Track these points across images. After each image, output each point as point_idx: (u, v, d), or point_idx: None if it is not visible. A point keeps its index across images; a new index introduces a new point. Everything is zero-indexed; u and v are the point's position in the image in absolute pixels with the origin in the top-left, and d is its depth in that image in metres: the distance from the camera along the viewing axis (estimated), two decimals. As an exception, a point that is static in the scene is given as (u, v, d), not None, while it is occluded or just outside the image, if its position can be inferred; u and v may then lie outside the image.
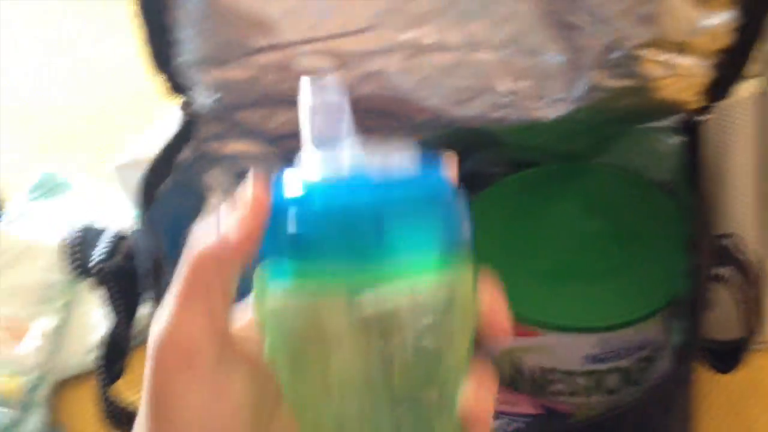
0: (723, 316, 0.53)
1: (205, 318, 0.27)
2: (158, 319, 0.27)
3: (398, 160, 0.26)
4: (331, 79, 0.27)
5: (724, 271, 0.50)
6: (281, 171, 0.27)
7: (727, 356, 0.54)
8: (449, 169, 0.27)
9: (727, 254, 0.51)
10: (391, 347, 0.25)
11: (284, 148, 0.65)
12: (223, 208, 0.27)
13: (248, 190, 0.27)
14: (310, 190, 0.25)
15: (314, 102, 0.27)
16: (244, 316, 0.30)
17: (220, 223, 0.27)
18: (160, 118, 0.85)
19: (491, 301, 0.28)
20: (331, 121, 0.27)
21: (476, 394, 0.28)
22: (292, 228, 0.25)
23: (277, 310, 0.26)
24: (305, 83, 0.27)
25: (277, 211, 0.26)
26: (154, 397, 0.27)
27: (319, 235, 0.25)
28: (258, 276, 0.28)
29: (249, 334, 0.29)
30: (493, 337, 0.28)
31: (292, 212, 0.25)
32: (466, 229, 0.27)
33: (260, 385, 0.29)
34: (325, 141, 0.27)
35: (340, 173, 0.25)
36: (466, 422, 0.27)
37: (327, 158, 0.26)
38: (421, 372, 0.26)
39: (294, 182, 0.26)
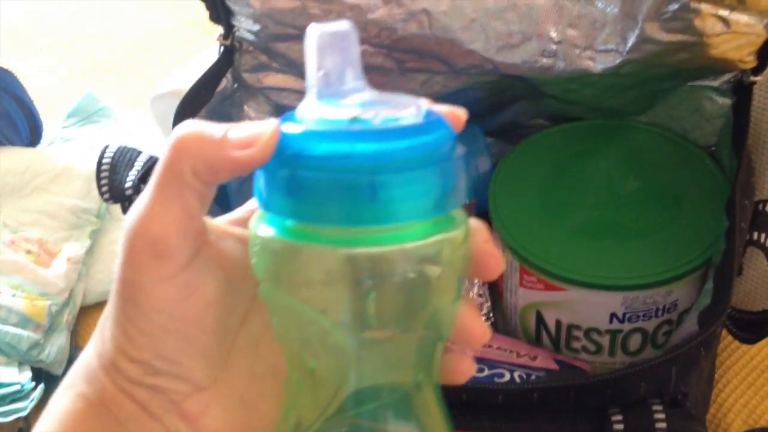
0: (754, 286, 0.52)
1: (180, 213, 0.26)
2: (134, 208, 0.27)
3: (404, 112, 0.25)
4: (343, 24, 0.26)
5: (760, 236, 0.49)
6: (286, 115, 0.26)
7: (754, 327, 0.53)
8: (454, 124, 0.27)
9: (765, 220, 0.50)
10: (376, 293, 0.25)
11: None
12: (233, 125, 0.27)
13: (264, 122, 0.26)
14: (306, 137, 0.25)
15: (322, 46, 0.26)
16: (224, 226, 0.30)
17: (223, 128, 0.26)
18: (201, 54, 0.85)
19: (483, 248, 0.28)
20: (340, 66, 0.26)
21: (467, 315, 0.28)
22: (286, 171, 0.25)
23: (266, 246, 0.27)
24: (313, 27, 0.26)
25: (276, 152, 0.26)
26: (123, 287, 0.27)
27: (312, 183, 0.25)
28: (256, 208, 0.28)
29: (226, 241, 0.29)
30: (484, 278, 0.28)
31: (288, 155, 0.25)
32: (461, 185, 0.26)
33: (232, 291, 0.29)
34: (332, 87, 0.26)
35: (341, 121, 0.25)
36: (461, 337, 0.28)
37: (331, 105, 0.26)
38: (403, 314, 0.26)
39: (293, 127, 0.26)
